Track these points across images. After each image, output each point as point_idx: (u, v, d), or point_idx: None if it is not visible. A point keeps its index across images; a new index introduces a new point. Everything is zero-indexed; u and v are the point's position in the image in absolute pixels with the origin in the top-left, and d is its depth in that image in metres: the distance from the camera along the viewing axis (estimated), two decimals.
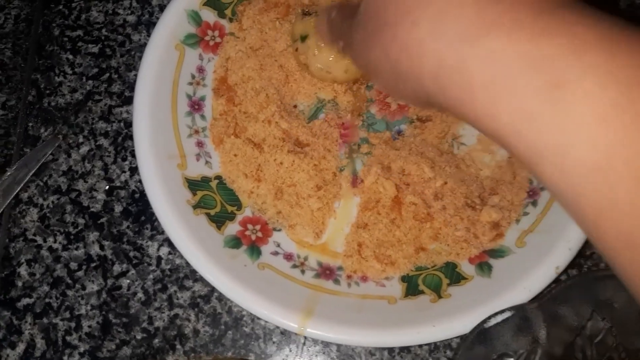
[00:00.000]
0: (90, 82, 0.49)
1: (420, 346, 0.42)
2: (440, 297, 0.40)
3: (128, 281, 0.44)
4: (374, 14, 0.27)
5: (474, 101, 0.23)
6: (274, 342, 0.42)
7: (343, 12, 0.35)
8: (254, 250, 0.42)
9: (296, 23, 0.43)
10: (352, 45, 0.30)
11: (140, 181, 0.44)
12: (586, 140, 0.19)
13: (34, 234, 0.45)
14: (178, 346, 0.42)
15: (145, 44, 0.44)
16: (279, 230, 0.43)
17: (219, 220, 0.42)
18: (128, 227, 0.45)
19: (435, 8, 0.24)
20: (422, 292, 0.41)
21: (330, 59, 0.41)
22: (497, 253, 0.41)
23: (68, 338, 0.42)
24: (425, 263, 0.42)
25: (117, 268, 0.44)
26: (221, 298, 0.43)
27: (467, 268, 0.41)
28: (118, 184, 0.46)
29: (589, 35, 0.20)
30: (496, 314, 0.37)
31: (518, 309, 0.37)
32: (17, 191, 0.45)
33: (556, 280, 0.39)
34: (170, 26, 0.45)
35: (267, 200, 0.43)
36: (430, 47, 0.24)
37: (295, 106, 0.46)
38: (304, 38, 0.42)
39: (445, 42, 0.23)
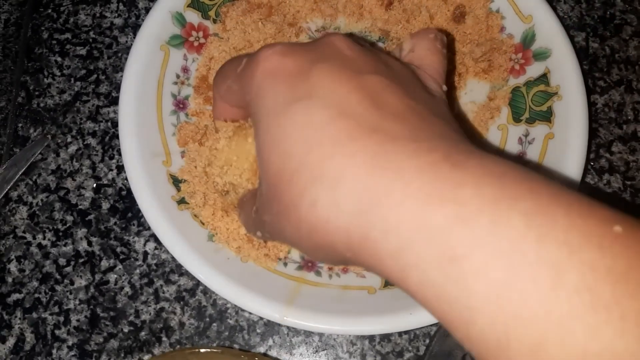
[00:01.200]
0: (78, 83, 0.50)
1: (400, 335, 0.43)
2: None
3: (115, 276, 0.45)
4: (273, 196, 0.27)
5: (386, 269, 0.23)
6: (257, 333, 0.43)
7: (246, 204, 0.34)
8: None
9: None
10: (265, 229, 0.30)
11: (126, 179, 0.45)
12: (484, 318, 0.20)
13: (24, 232, 0.46)
14: (164, 339, 0.43)
15: (131, 46, 0.46)
16: None
17: None
18: (115, 223, 0.46)
19: (328, 182, 0.24)
20: None
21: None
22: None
23: (57, 332, 0.43)
24: None
25: (104, 263, 0.45)
26: (206, 291, 0.44)
27: None
28: (105, 182, 0.47)
29: (475, 199, 0.21)
30: None
31: None
32: (6, 190, 0.46)
33: None
34: (155, 27, 0.46)
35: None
36: (335, 225, 0.24)
37: None
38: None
39: (346, 217, 0.23)
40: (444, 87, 0.32)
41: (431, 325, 0.40)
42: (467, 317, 0.20)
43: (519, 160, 0.45)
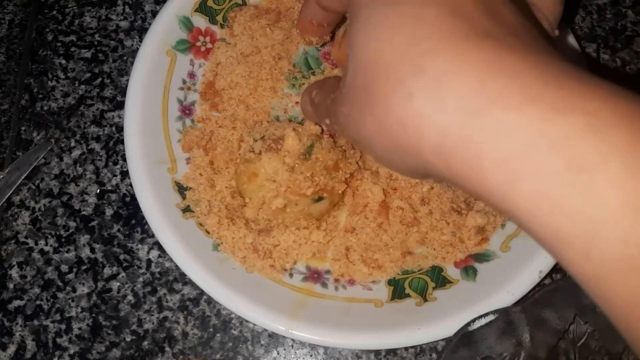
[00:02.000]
0: (82, 86, 0.49)
1: (406, 349, 0.42)
2: (425, 300, 0.41)
3: (118, 284, 0.44)
4: (361, 85, 0.25)
5: (485, 179, 0.21)
6: (261, 345, 0.43)
7: (324, 89, 0.33)
8: None
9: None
10: (339, 121, 0.28)
11: (131, 185, 0.45)
12: (615, 232, 0.18)
13: (26, 237, 0.45)
14: (167, 348, 0.43)
15: (137, 50, 0.45)
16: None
17: None
18: (119, 230, 0.45)
19: (431, 76, 0.22)
20: (408, 296, 0.41)
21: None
22: (482, 257, 0.42)
23: (58, 340, 0.43)
24: (412, 267, 0.42)
25: (107, 271, 0.44)
26: (210, 301, 0.44)
27: (452, 272, 0.42)
28: (109, 188, 0.47)
29: (606, 112, 0.19)
30: (480, 317, 0.38)
31: (502, 312, 0.38)
32: (9, 194, 0.46)
33: (540, 284, 0.40)
34: (162, 32, 0.46)
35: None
36: (431, 120, 0.22)
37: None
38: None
39: (447, 115, 0.22)
40: (556, 32, 0.30)
41: (438, 340, 0.39)
42: (591, 232, 0.19)
43: None
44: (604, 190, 0.19)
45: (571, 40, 0.46)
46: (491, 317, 0.38)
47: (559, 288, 0.39)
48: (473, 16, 0.23)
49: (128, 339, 0.43)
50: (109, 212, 0.46)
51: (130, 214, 0.46)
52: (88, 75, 0.50)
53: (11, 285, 0.44)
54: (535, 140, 0.20)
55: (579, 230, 0.19)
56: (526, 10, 0.28)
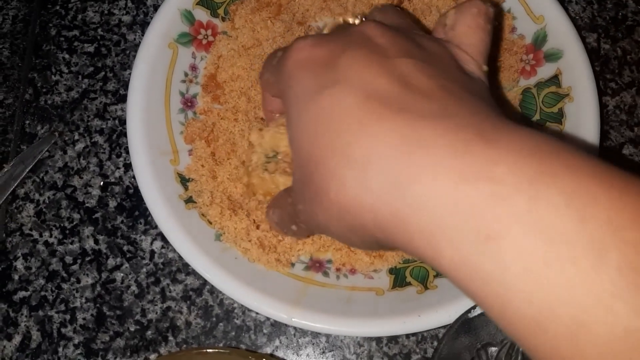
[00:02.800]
0: (86, 80, 0.50)
1: (407, 337, 0.43)
2: (426, 288, 0.41)
3: (122, 274, 0.44)
4: (303, 181, 0.27)
5: (416, 248, 0.23)
6: (264, 334, 0.43)
7: (278, 202, 0.34)
8: None
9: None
10: (300, 219, 0.30)
11: (134, 177, 0.45)
12: (519, 295, 0.20)
13: (30, 229, 0.46)
14: (170, 338, 0.43)
15: (139, 44, 0.45)
16: None
17: None
18: (122, 221, 0.46)
19: (358, 163, 0.24)
20: (409, 284, 0.41)
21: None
22: None
23: (63, 330, 0.43)
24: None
25: (111, 262, 0.45)
26: (213, 291, 0.44)
27: None
28: (112, 180, 0.47)
29: (511, 177, 0.20)
30: None
31: None
32: (13, 187, 0.46)
33: None
34: (164, 25, 0.46)
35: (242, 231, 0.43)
36: (364, 201, 0.24)
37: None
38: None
39: (376, 195, 0.23)
40: (484, 68, 0.31)
41: (439, 327, 0.39)
42: (502, 296, 0.20)
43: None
44: (508, 258, 0.20)
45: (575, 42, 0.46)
46: None
47: None
48: (387, 94, 0.25)
49: (132, 329, 0.43)
50: (112, 204, 0.46)
51: (134, 205, 0.46)
52: (91, 69, 0.50)
53: (16, 277, 0.44)
54: (450, 211, 0.21)
55: (493, 294, 0.20)
56: (445, 63, 0.29)
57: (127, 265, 0.45)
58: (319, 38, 0.29)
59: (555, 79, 0.46)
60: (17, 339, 0.43)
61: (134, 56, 0.49)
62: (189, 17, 0.47)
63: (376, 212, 0.24)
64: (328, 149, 0.25)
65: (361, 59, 0.27)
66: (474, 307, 0.38)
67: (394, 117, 0.24)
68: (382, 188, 0.23)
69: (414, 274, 0.42)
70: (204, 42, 0.48)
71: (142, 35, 0.51)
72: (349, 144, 0.24)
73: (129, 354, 0.43)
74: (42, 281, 0.44)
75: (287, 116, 0.29)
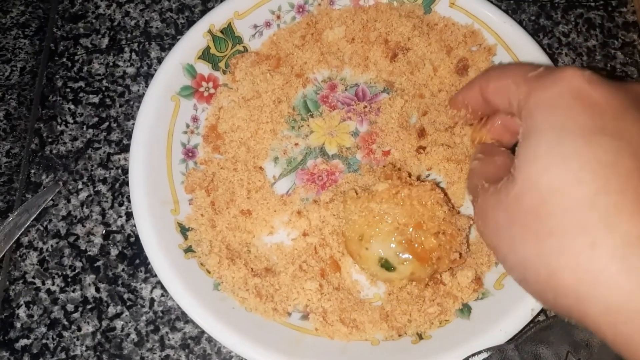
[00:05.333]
0: (90, 130, 0.51)
1: None
2: (421, 338, 0.41)
3: (122, 322, 0.45)
4: (530, 208, 0.25)
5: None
6: None
7: (487, 168, 0.33)
8: None
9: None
10: (490, 225, 0.28)
11: (135, 225, 0.46)
12: None
13: (33, 277, 0.47)
14: None
15: (143, 95, 0.47)
16: None
17: None
18: (123, 270, 0.47)
19: (620, 234, 0.22)
20: (404, 334, 0.42)
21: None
22: (477, 296, 0.43)
23: None
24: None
25: (111, 310, 0.45)
26: (211, 339, 0.45)
27: None
28: (114, 228, 0.48)
29: None
30: (475, 354, 0.38)
31: (496, 350, 0.39)
32: (18, 235, 0.47)
33: (533, 321, 0.41)
34: (167, 79, 0.48)
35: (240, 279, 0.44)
36: (612, 278, 0.22)
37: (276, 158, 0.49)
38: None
39: (634, 279, 0.21)
40: None
41: None
42: None
43: None
44: None
45: None
46: (485, 355, 0.38)
47: (551, 325, 0.39)
48: None
49: None
50: (114, 252, 0.47)
51: (135, 254, 0.47)
52: (96, 119, 0.52)
53: (18, 325, 0.45)
54: None
55: None
56: None
57: (127, 313, 0.45)
58: (596, 75, 0.27)
59: None
60: None
61: (138, 107, 0.51)
62: (191, 70, 0.49)
63: (624, 298, 0.22)
64: (588, 199, 0.23)
65: None
66: (467, 358, 0.38)
67: None
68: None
69: None
70: (206, 94, 0.50)
71: (146, 86, 0.53)
72: (616, 209, 0.23)
73: None
74: (43, 329, 0.45)
75: (533, 131, 0.26)
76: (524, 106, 0.28)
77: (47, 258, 0.47)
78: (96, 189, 0.49)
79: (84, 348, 0.45)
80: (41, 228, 0.48)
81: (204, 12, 0.56)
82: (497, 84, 0.32)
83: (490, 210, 0.28)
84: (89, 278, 0.46)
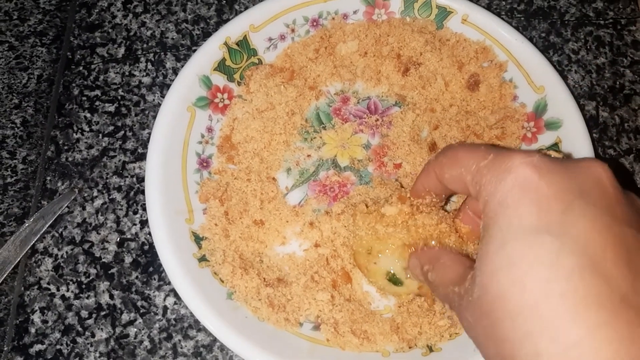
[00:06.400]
0: (105, 139, 0.52)
1: None
2: (431, 350, 0.42)
3: (135, 330, 0.46)
4: (487, 312, 0.26)
5: None
6: None
7: (439, 270, 0.33)
8: None
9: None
10: (464, 324, 0.28)
11: (150, 233, 0.47)
12: None
13: (48, 283, 0.47)
14: None
15: (158, 104, 0.48)
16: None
17: None
18: (137, 277, 0.47)
19: (561, 342, 0.23)
20: (414, 346, 0.43)
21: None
22: None
23: None
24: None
25: (125, 317, 0.46)
26: (223, 348, 0.45)
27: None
28: (129, 236, 0.49)
29: None
30: None
31: None
32: (33, 242, 0.48)
33: None
34: (183, 90, 0.49)
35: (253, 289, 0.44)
36: None
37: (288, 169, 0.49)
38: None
39: None
40: None
41: None
42: None
43: None
44: None
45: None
46: None
47: None
48: (612, 273, 0.23)
49: None
50: (128, 259, 0.48)
51: (149, 261, 0.48)
52: (111, 128, 0.53)
53: (33, 330, 0.46)
54: None
55: None
56: None
57: (140, 320, 0.46)
58: (545, 162, 0.27)
59: (555, 147, 0.48)
60: None
61: (153, 116, 0.52)
62: (206, 82, 0.50)
63: None
64: (530, 305, 0.23)
65: (593, 215, 0.25)
66: None
67: (616, 310, 0.22)
68: None
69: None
70: (220, 105, 0.50)
71: (161, 96, 0.53)
72: (557, 314, 0.23)
73: None
74: (57, 335, 0.46)
75: (488, 229, 0.27)
76: (479, 199, 0.29)
77: (62, 264, 0.48)
78: (111, 197, 0.50)
79: (97, 354, 0.45)
80: (56, 235, 0.49)
81: (219, 24, 0.57)
82: (451, 173, 0.32)
83: (462, 311, 0.28)
84: (103, 285, 0.47)
